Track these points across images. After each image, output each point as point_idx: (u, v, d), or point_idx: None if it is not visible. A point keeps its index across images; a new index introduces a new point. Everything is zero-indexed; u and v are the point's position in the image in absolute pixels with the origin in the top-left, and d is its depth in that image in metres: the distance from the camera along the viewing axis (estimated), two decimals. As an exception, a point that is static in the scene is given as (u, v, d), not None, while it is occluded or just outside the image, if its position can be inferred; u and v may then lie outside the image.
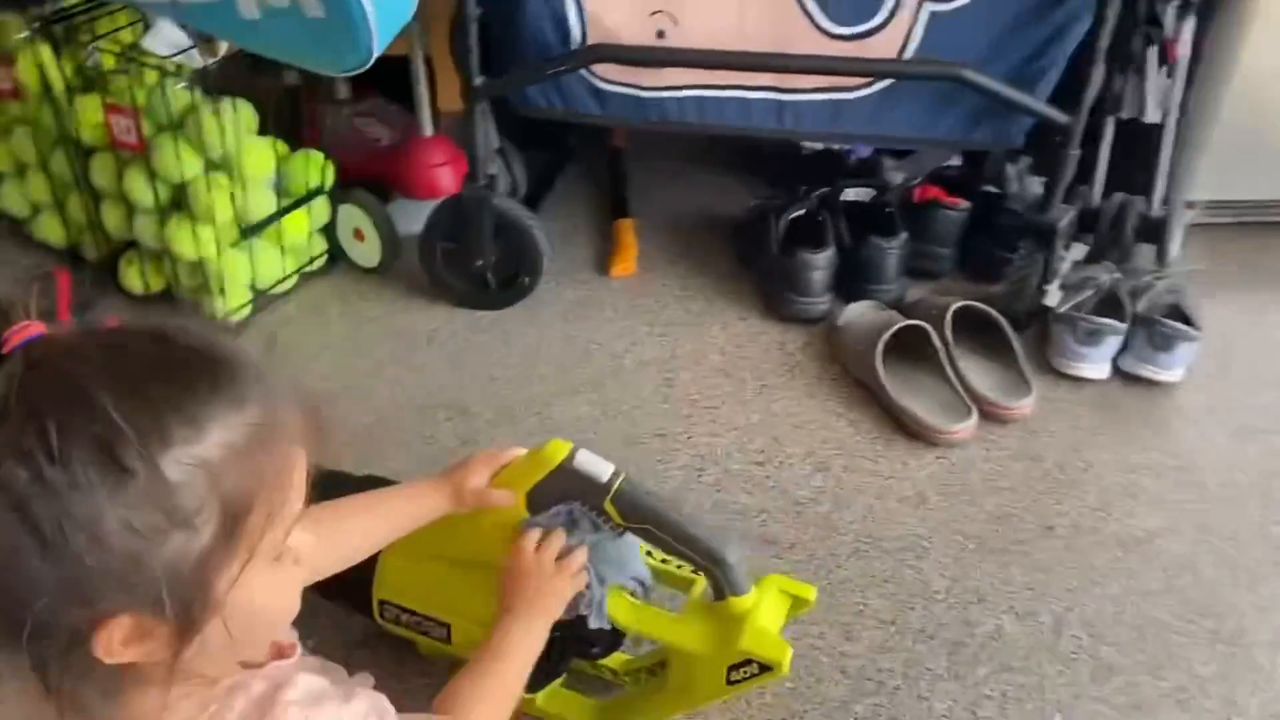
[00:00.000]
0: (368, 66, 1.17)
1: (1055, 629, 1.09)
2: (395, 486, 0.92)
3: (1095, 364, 1.41)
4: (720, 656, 0.88)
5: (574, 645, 0.95)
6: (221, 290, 1.40)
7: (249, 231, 1.38)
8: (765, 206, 1.59)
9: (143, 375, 0.53)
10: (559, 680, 1.00)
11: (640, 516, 0.86)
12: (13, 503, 0.49)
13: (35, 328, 0.54)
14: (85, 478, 0.50)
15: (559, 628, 0.88)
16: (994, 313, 1.41)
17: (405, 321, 1.49)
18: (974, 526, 1.20)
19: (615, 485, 0.86)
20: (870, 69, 1.32)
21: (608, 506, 0.86)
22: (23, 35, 1.30)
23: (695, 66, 1.34)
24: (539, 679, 0.97)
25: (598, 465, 0.86)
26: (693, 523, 0.86)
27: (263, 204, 1.40)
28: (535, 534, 0.87)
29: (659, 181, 1.80)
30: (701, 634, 0.89)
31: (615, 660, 1.01)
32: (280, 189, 1.44)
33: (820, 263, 1.48)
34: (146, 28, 1.25)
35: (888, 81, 1.36)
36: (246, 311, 1.46)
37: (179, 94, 1.28)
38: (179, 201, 1.35)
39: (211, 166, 1.34)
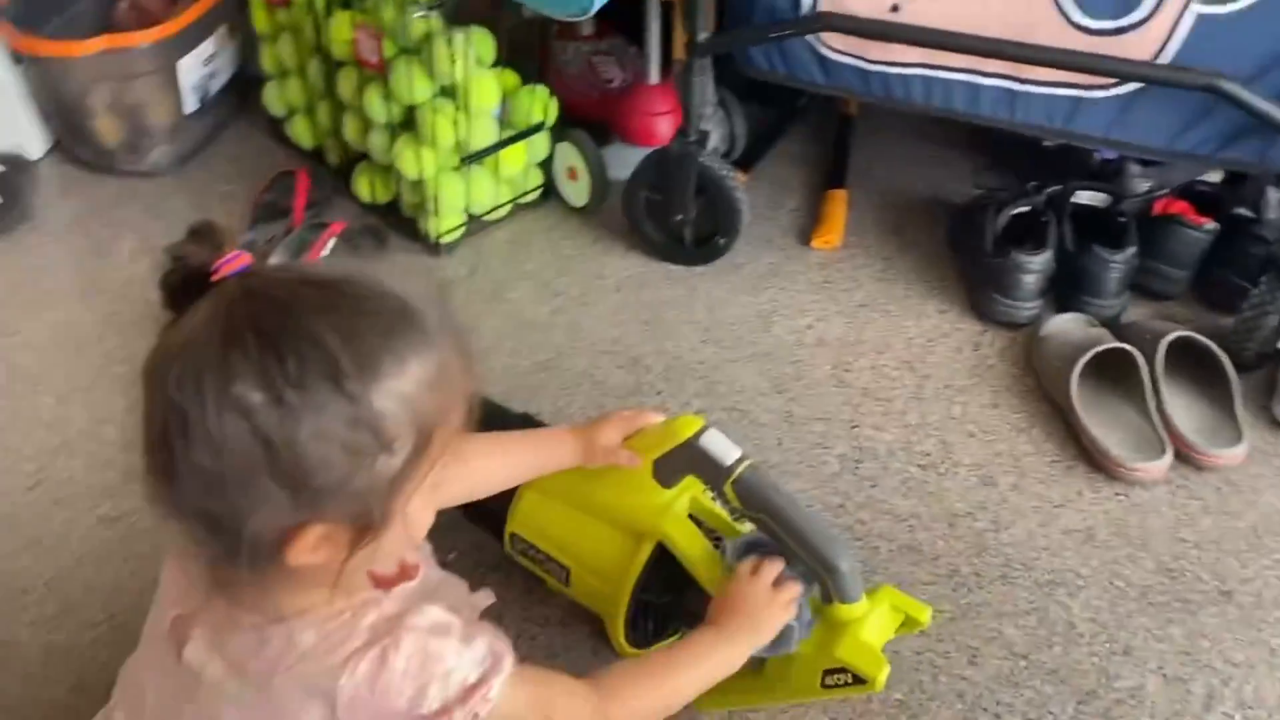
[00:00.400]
0: (589, 14, 1.20)
1: (1206, 702, 1.01)
2: (533, 431, 0.95)
3: (1327, 419, 1.27)
4: (817, 659, 0.87)
5: (681, 616, 0.96)
6: (436, 211, 1.47)
7: (468, 159, 1.44)
8: (987, 197, 1.51)
9: (355, 316, 0.58)
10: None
11: (759, 506, 0.86)
12: (243, 413, 0.55)
13: (244, 258, 0.59)
14: (317, 401, 0.55)
15: (665, 604, 0.90)
16: (1216, 348, 1.29)
17: (599, 265, 1.52)
18: (1140, 574, 1.12)
19: (738, 471, 0.86)
20: (1116, 69, 1.22)
21: (727, 490, 0.86)
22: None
23: (928, 46, 1.27)
24: (648, 642, 0.99)
25: (724, 447, 0.86)
26: (810, 524, 0.85)
27: (484, 134, 1.46)
28: (751, 560, 0.87)
29: (882, 154, 1.74)
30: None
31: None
32: (503, 120, 1.50)
33: (1034, 265, 1.39)
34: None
35: (1135, 85, 1.25)
36: (459, 234, 1.54)
37: (419, 22, 1.34)
38: (408, 122, 1.43)
39: (442, 93, 1.41)
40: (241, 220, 1.54)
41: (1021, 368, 1.37)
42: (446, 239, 1.52)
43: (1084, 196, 1.50)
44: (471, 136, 1.44)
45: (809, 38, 1.34)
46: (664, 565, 0.94)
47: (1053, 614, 1.08)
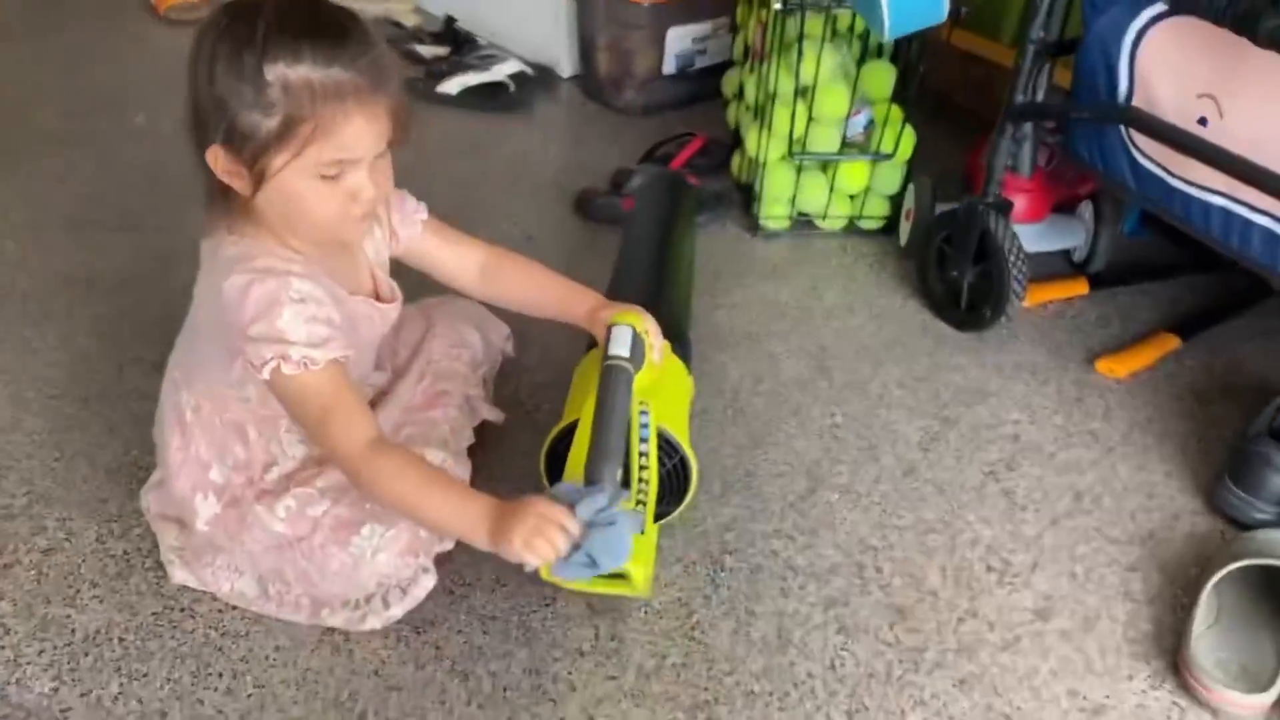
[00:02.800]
0: (888, 40, 1.30)
1: None
2: (569, 282, 1.13)
3: None
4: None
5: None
6: (762, 195, 1.65)
7: (798, 154, 1.60)
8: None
9: (296, 15, 0.85)
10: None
11: (598, 397, 0.97)
12: (197, 54, 0.86)
13: None
14: (230, 55, 0.84)
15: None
16: None
17: (874, 293, 1.58)
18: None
19: (609, 362, 0.99)
20: None
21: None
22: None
23: (1216, 166, 1.15)
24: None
25: (620, 342, 1.00)
26: (607, 435, 0.94)
27: (825, 141, 1.59)
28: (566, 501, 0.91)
29: (1272, 336, 1.52)
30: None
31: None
32: (862, 143, 1.62)
33: (1283, 464, 1.17)
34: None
35: None
36: (784, 224, 1.69)
37: (791, 22, 1.53)
38: (766, 110, 1.63)
39: (801, 93, 1.58)
40: (633, 158, 1.86)
41: (1200, 561, 1.17)
42: (769, 224, 1.69)
43: None
44: (811, 138, 1.59)
45: (1124, 137, 1.27)
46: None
47: (973, 736, 0.97)
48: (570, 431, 1.04)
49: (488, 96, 2.04)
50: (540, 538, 0.86)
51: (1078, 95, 1.32)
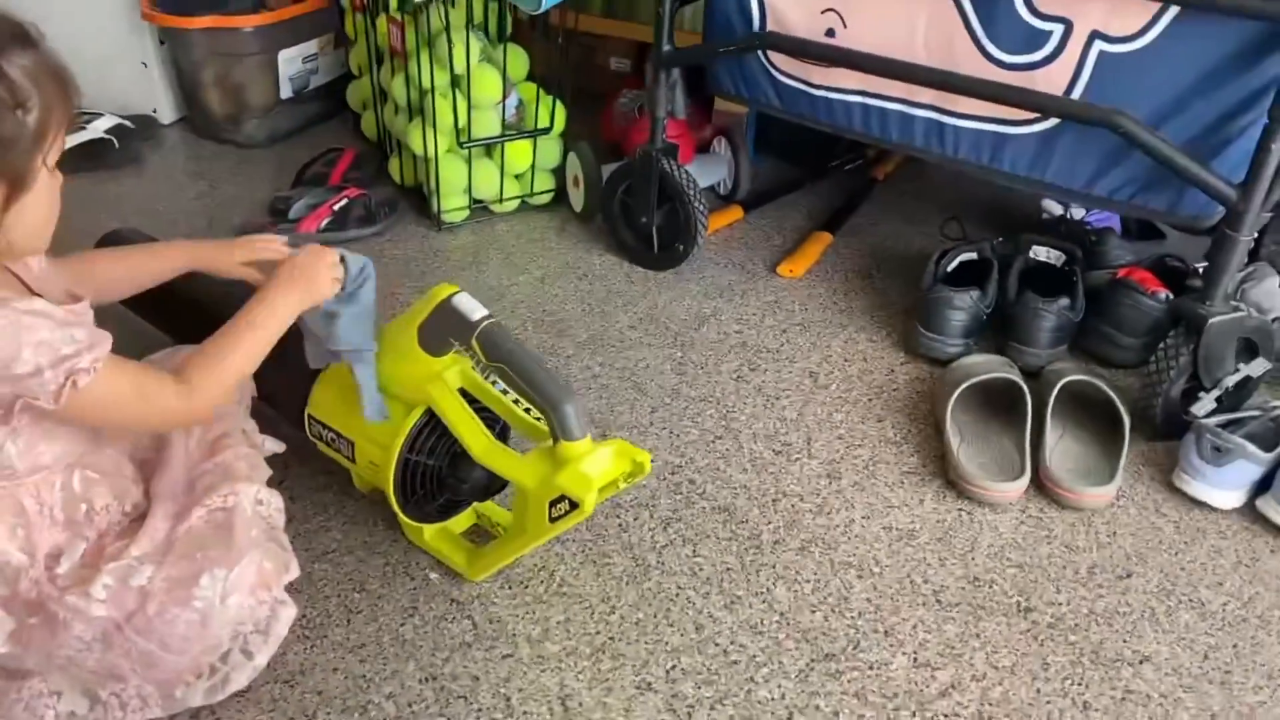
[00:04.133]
0: (540, 10, 1.37)
1: (946, 689, 0.98)
2: (152, 244, 1.15)
3: (1217, 489, 1.20)
4: (542, 493, 0.95)
5: (449, 482, 1.05)
6: (439, 189, 1.66)
7: (467, 144, 1.63)
8: (947, 247, 1.54)
9: None
10: (455, 524, 1.11)
11: (499, 356, 0.96)
12: None
13: None
14: None
15: (432, 467, 1.01)
16: (1115, 397, 1.26)
17: (572, 258, 1.66)
18: (944, 577, 1.10)
19: (482, 325, 0.97)
20: (1021, 99, 1.26)
21: (474, 343, 0.97)
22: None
23: (851, 67, 1.36)
24: (424, 515, 1.09)
25: (471, 306, 0.98)
26: (541, 370, 0.95)
27: (487, 125, 1.64)
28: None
29: (891, 215, 1.81)
30: (531, 471, 0.97)
31: (503, 517, 1.11)
32: (516, 123, 1.68)
33: (960, 302, 1.41)
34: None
35: (1051, 122, 1.28)
36: (463, 215, 1.72)
37: (435, 17, 1.56)
38: (423, 107, 1.64)
39: (452, 84, 1.61)
40: (285, 182, 1.79)
41: (924, 397, 1.37)
42: (450, 218, 1.70)
43: (1041, 253, 1.50)
44: (474, 125, 1.63)
45: (764, 61, 1.45)
46: (434, 431, 1.04)
47: (830, 587, 1.08)
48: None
49: (91, 156, 1.85)
50: (320, 265, 0.97)
51: (712, 34, 1.48)
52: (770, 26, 1.41)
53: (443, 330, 0.99)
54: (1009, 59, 1.27)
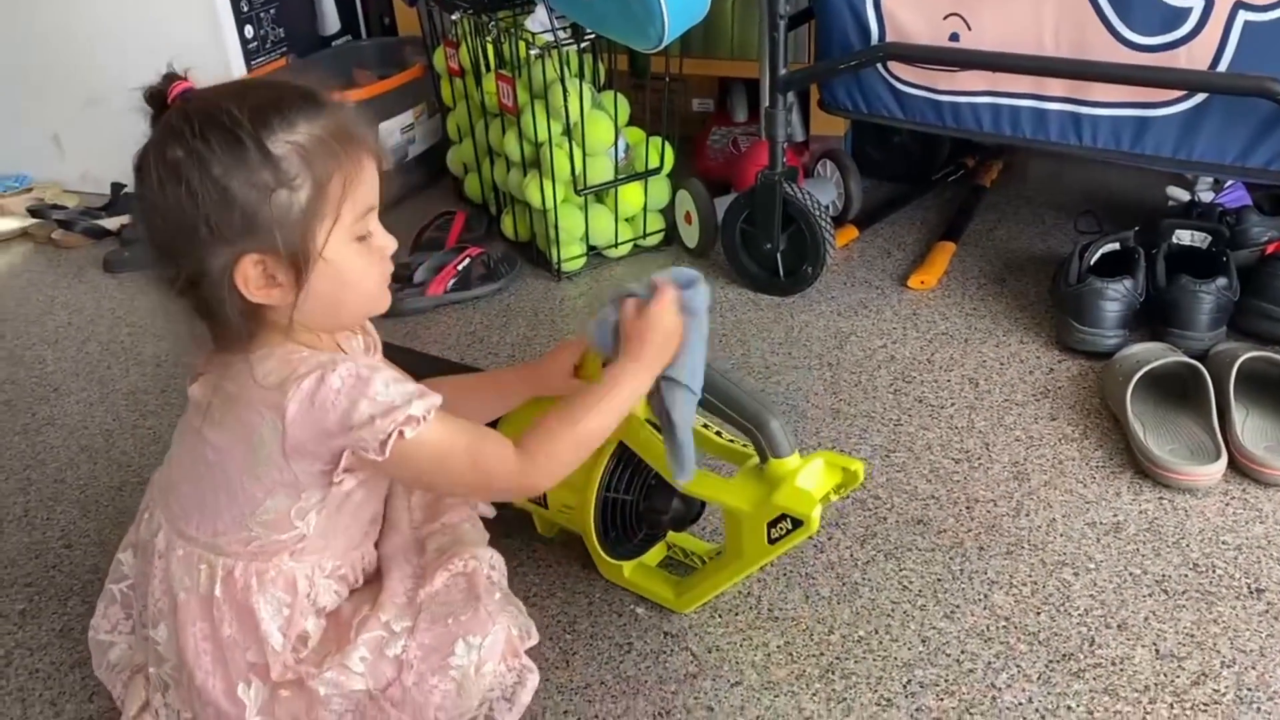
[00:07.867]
0: (660, 48, 1.37)
1: (1198, 678, 0.94)
2: (488, 375, 1.11)
3: None
4: (760, 515, 0.93)
5: (647, 516, 1.03)
6: (558, 239, 1.67)
7: (584, 190, 1.64)
8: (1088, 241, 1.51)
9: (258, 93, 0.77)
10: (649, 557, 1.09)
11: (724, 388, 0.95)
12: (173, 171, 0.74)
13: (187, 83, 0.80)
14: (221, 147, 0.74)
15: (630, 502, 0.99)
16: (1295, 368, 1.22)
17: (698, 291, 1.65)
18: (1163, 566, 1.06)
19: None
20: (1164, 79, 1.24)
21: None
22: (454, 17, 1.70)
23: (983, 68, 1.35)
24: (624, 553, 1.07)
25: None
26: (741, 390, 0.94)
27: (601, 171, 1.65)
28: (634, 299, 0.92)
29: (1006, 219, 1.78)
30: (744, 493, 0.95)
31: (697, 546, 1.09)
32: (625, 165, 1.69)
33: (1113, 292, 1.38)
34: (532, 9, 1.57)
35: (1198, 98, 1.26)
36: (580, 263, 1.72)
37: (550, 68, 1.58)
38: (538, 159, 1.65)
39: (564, 133, 1.62)
40: (404, 248, 1.80)
41: (1092, 392, 1.34)
42: (568, 266, 1.71)
43: (1185, 237, 1.47)
44: (588, 172, 1.64)
45: (883, 73, 1.45)
46: (627, 467, 1.03)
47: (1049, 588, 1.05)
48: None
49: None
50: (676, 326, 0.90)
51: (828, 51, 1.48)
52: (890, 38, 1.41)
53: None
54: (1146, 41, 1.25)
